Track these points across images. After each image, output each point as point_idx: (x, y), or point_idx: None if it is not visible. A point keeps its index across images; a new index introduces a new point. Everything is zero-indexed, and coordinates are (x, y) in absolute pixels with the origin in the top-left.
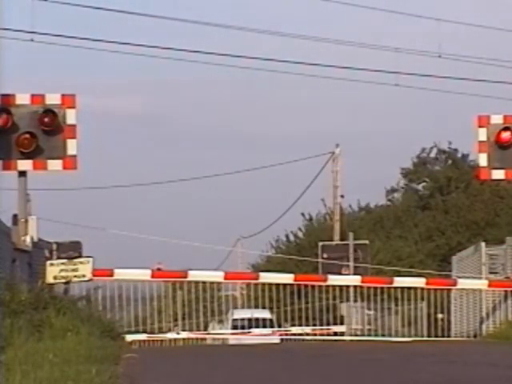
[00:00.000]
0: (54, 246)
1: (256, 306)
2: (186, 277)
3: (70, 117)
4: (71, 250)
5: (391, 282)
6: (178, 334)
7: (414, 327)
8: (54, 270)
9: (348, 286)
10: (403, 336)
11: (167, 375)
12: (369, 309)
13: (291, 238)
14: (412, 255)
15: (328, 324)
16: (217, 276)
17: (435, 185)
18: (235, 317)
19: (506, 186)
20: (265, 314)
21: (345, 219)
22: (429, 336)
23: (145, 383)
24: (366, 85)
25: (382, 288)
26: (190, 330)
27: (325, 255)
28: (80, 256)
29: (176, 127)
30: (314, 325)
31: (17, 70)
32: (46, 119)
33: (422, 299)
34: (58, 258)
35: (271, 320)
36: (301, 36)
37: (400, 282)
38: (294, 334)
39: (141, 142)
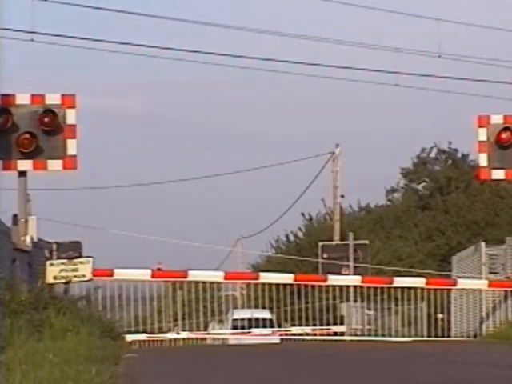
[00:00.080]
0: (54, 246)
1: (256, 306)
2: (186, 277)
3: (70, 117)
4: (71, 250)
5: (391, 282)
6: (177, 333)
7: (414, 327)
8: (54, 270)
9: (348, 286)
10: (403, 336)
11: (167, 375)
12: (369, 309)
13: (291, 237)
14: (412, 255)
15: (328, 324)
16: (217, 276)
17: (435, 185)
18: (235, 317)
19: (506, 185)
20: (265, 313)
21: (345, 219)
22: (429, 336)
23: (145, 383)
24: (366, 85)
25: (382, 288)
26: (190, 330)
27: (325, 255)
28: (80, 256)
29: (176, 127)
30: (314, 325)
31: (17, 70)
32: (45, 119)
33: (422, 299)
34: (58, 257)
35: (271, 320)
36: (301, 36)
37: (400, 281)
38: (294, 334)
39: (141, 142)
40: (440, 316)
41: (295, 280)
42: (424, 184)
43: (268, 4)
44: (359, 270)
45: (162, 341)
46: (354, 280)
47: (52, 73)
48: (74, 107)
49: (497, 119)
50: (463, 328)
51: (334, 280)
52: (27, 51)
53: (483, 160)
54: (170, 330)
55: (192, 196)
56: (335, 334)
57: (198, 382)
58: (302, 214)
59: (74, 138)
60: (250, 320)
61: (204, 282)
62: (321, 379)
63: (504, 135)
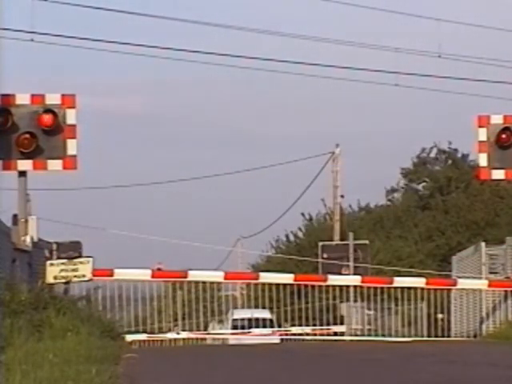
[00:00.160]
0: (54, 246)
1: (256, 306)
2: (186, 277)
3: (70, 117)
4: (71, 250)
5: (391, 282)
6: (178, 333)
7: (414, 327)
8: (54, 270)
9: (348, 286)
10: (403, 336)
11: (167, 375)
12: (369, 309)
13: (291, 237)
14: (412, 255)
15: (328, 324)
16: (217, 276)
17: (435, 185)
18: (235, 317)
19: (506, 185)
20: (265, 314)
21: (345, 219)
22: (429, 336)
23: (145, 383)
24: (366, 85)
25: (382, 288)
26: (190, 330)
27: (325, 255)
28: (80, 256)
29: (176, 127)
30: (314, 325)
31: (17, 70)
32: (45, 119)
33: (422, 299)
34: (58, 257)
35: (271, 320)
36: (301, 36)
37: (400, 281)
38: (294, 334)
39: (141, 142)
40: (440, 316)
41: (295, 280)
42: (424, 184)
43: (268, 4)
44: (359, 270)
45: (162, 341)
46: (354, 280)
47: (52, 73)
48: (74, 107)
49: (497, 119)
50: (463, 328)
51: (333, 280)
52: (27, 51)
53: (483, 160)
54: (169, 330)
55: (192, 196)
56: (335, 334)
57: (198, 381)
58: (302, 214)
59: (74, 138)
60: (250, 320)
61: (204, 282)
62: (321, 379)
63: (504, 135)
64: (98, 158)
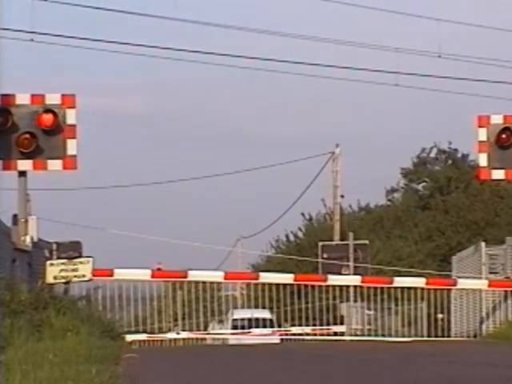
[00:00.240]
0: (54, 246)
1: (256, 306)
2: (186, 277)
3: (70, 117)
4: (71, 250)
5: (391, 282)
6: (178, 333)
7: (414, 327)
8: (54, 270)
9: (348, 286)
10: (403, 336)
11: (167, 375)
12: (369, 309)
13: (291, 237)
14: (412, 255)
15: (328, 324)
16: (217, 276)
17: (435, 185)
18: (235, 317)
19: (506, 185)
20: (265, 313)
21: (345, 219)
22: (429, 336)
23: (145, 383)
24: (366, 85)
25: (382, 288)
26: (190, 330)
27: (325, 255)
28: (80, 256)
29: (176, 127)
30: (314, 325)
31: (17, 70)
32: (46, 119)
33: (422, 299)
34: (58, 257)
35: (271, 320)
36: (301, 36)
37: (400, 282)
38: (294, 334)
39: (141, 142)
40: (440, 316)
41: (295, 280)
42: (424, 184)
43: (268, 4)
44: (359, 270)
45: (162, 341)
46: (354, 280)
47: (52, 73)
48: (73, 107)
49: (497, 119)
50: (463, 328)
51: (334, 280)
52: (27, 51)
53: (483, 160)
54: (170, 330)
55: (192, 196)
56: (335, 334)
57: (198, 382)
58: (302, 214)
59: (73, 138)
60: (249, 320)
61: (204, 282)
62: (321, 379)
63: (504, 135)
64: (98, 158)
